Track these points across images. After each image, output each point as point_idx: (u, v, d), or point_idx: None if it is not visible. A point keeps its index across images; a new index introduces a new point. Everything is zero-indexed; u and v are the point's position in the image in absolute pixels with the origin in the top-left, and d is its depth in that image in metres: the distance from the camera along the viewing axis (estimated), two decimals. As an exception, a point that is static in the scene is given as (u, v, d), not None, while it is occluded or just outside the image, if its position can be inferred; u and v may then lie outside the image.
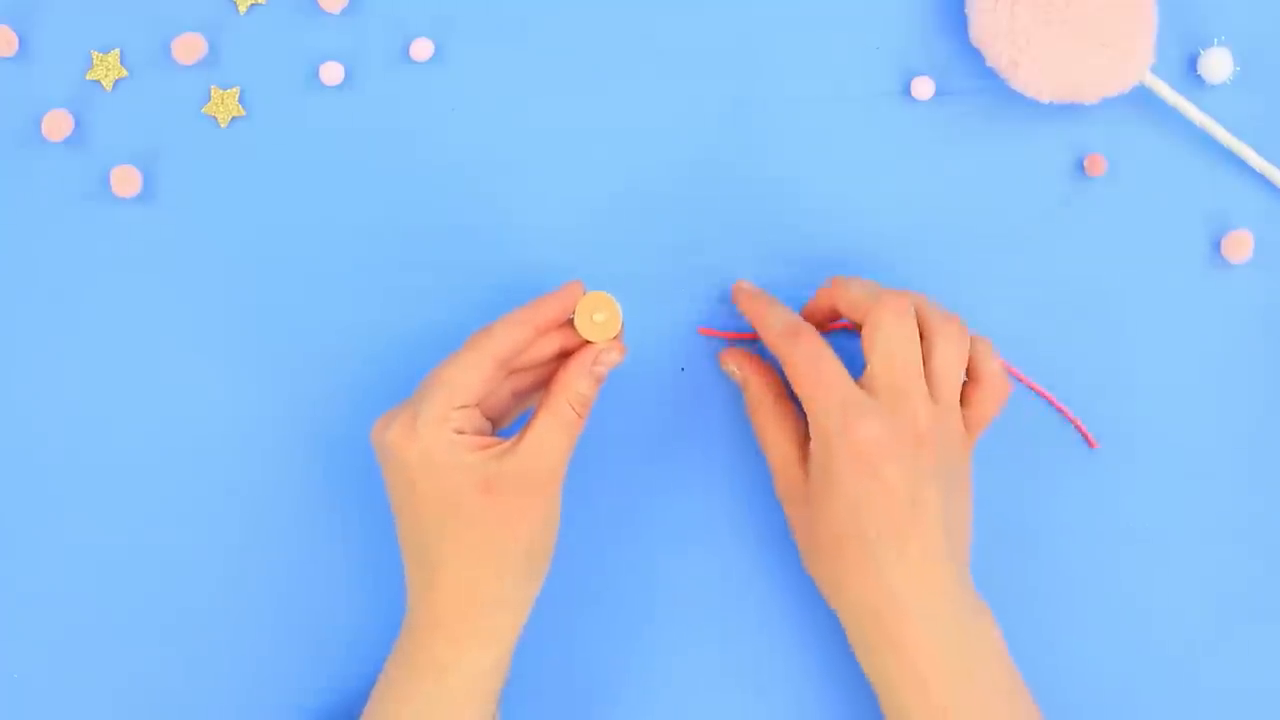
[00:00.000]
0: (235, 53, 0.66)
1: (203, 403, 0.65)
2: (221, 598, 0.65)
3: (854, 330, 0.60)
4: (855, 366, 0.58)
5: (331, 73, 0.65)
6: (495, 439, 0.56)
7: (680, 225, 0.66)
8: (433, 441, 0.55)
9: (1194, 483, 0.65)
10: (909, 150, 0.66)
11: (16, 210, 0.65)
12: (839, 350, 0.58)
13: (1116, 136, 0.66)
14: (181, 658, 0.64)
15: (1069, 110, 0.65)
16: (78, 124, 0.65)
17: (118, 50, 0.66)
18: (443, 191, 0.66)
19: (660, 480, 0.65)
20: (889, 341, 0.57)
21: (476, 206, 0.66)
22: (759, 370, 0.62)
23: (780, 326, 0.59)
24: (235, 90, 0.65)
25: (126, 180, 0.65)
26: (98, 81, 0.65)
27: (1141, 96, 0.65)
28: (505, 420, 0.60)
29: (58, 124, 0.65)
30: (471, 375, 0.56)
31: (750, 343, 0.65)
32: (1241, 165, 0.66)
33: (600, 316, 0.58)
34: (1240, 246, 0.66)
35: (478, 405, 0.57)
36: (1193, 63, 0.66)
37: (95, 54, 0.65)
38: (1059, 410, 0.65)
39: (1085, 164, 0.66)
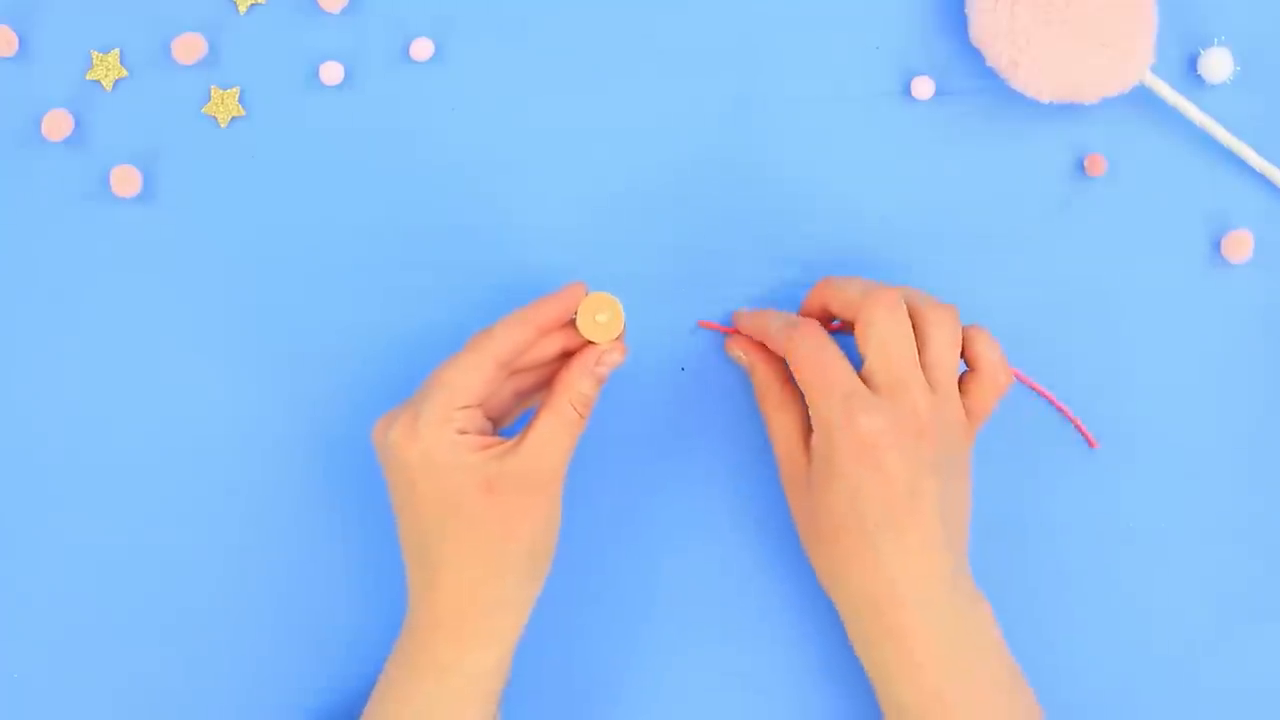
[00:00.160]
0: (235, 53, 0.66)
1: (203, 403, 0.65)
2: (222, 598, 0.65)
3: (846, 332, 0.60)
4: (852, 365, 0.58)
5: (331, 73, 0.65)
6: (497, 439, 0.56)
7: (680, 225, 0.66)
8: (434, 442, 0.55)
9: (1194, 482, 0.65)
10: (909, 150, 0.66)
11: (16, 210, 0.65)
12: None
13: (1116, 136, 0.66)
14: (182, 658, 0.64)
15: (1069, 110, 0.65)
16: (78, 124, 0.65)
17: (118, 50, 0.66)
18: (443, 191, 0.66)
19: (660, 480, 0.65)
20: (883, 336, 0.57)
21: (476, 206, 0.66)
22: (765, 356, 0.62)
23: (780, 322, 0.59)
24: (235, 90, 0.65)
25: (126, 180, 0.65)
26: (98, 81, 0.65)
27: (1141, 96, 0.65)
28: (506, 420, 0.60)
29: (58, 124, 0.65)
30: (473, 376, 0.56)
31: None
32: (1241, 165, 0.66)
33: (603, 317, 0.58)
34: (1240, 246, 0.66)
35: (480, 405, 0.57)
36: (1193, 63, 0.66)
37: (95, 54, 0.65)
38: (1059, 410, 0.65)
39: (1085, 164, 0.66)
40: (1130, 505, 0.65)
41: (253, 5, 0.66)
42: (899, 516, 0.56)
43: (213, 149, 0.66)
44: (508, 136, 0.66)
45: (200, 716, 0.64)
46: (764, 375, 0.62)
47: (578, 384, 0.57)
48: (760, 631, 0.65)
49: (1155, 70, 0.65)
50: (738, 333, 0.64)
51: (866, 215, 0.66)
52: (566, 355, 0.59)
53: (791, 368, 0.58)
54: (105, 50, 0.65)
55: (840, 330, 0.62)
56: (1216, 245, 0.66)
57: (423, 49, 0.66)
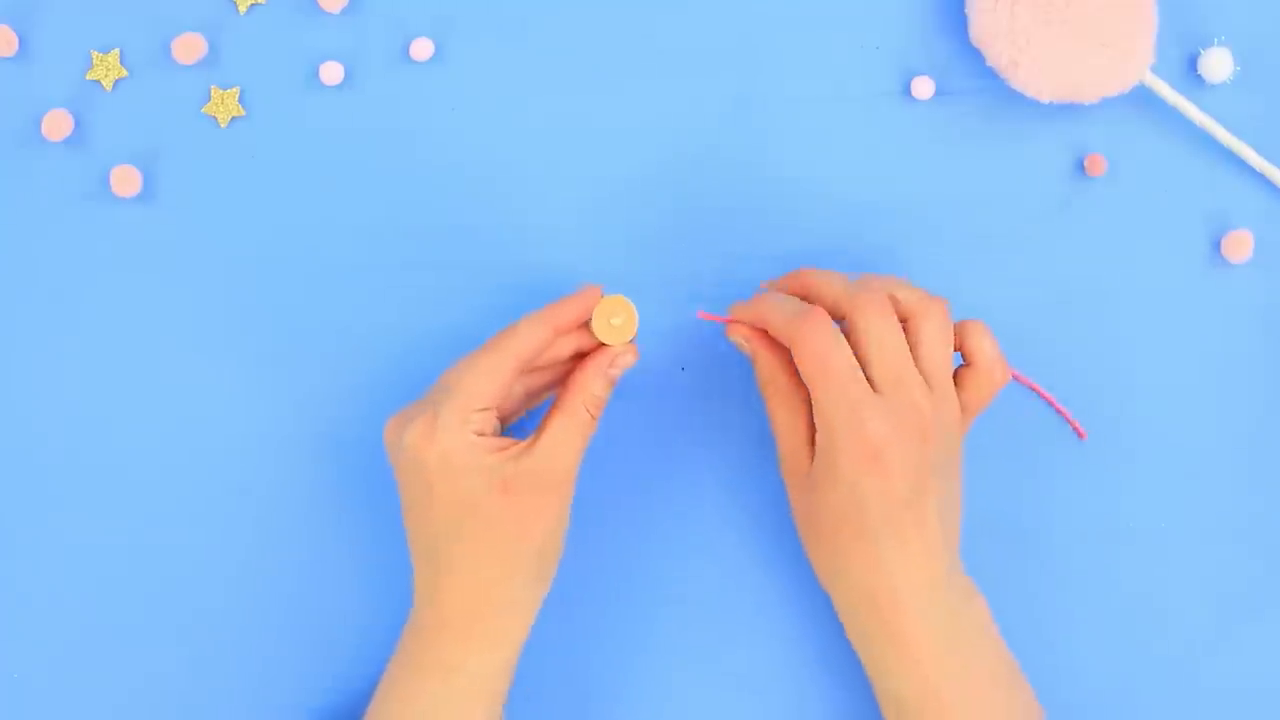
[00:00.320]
0: (235, 53, 0.66)
1: (202, 403, 0.65)
2: (224, 598, 0.65)
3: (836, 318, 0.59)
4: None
5: (331, 73, 0.65)
6: (511, 440, 0.57)
7: (680, 225, 0.66)
8: (453, 444, 0.55)
9: (1194, 482, 0.65)
10: (909, 150, 0.66)
11: (16, 210, 0.65)
12: None
13: (1116, 136, 0.66)
14: (184, 658, 0.64)
15: (1069, 110, 0.65)
16: (78, 124, 0.65)
17: (118, 50, 0.66)
18: (442, 191, 0.66)
19: (659, 480, 0.65)
20: (878, 338, 0.56)
21: (476, 206, 0.66)
22: (768, 344, 0.60)
23: (786, 315, 0.57)
24: (235, 90, 0.65)
25: (126, 180, 0.65)
26: (98, 81, 0.65)
27: (1141, 96, 0.65)
28: (512, 418, 0.60)
29: (58, 124, 0.65)
30: (493, 378, 0.56)
31: None
32: (1241, 165, 0.66)
33: (617, 320, 0.58)
34: (1240, 246, 0.66)
35: (496, 407, 0.57)
36: (1193, 63, 0.66)
37: (95, 54, 0.65)
38: (1046, 400, 0.65)
39: (1085, 164, 0.66)
40: (1129, 505, 0.65)
41: (253, 5, 0.66)
42: (900, 517, 0.56)
43: (213, 149, 0.66)
44: (508, 136, 0.66)
45: (204, 716, 0.64)
46: (768, 366, 0.60)
47: (591, 386, 0.58)
48: (760, 631, 0.65)
49: (1155, 70, 0.65)
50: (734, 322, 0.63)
51: (867, 215, 0.66)
52: (578, 356, 0.59)
53: (796, 361, 0.57)
54: (105, 50, 0.65)
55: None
56: (1216, 245, 0.66)
57: (423, 49, 0.66)
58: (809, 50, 0.66)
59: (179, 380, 0.65)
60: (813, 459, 0.58)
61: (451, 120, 0.66)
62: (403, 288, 0.65)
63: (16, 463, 0.65)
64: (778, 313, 0.58)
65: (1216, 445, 0.66)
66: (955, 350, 0.58)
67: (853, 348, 0.57)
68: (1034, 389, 0.65)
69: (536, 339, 0.57)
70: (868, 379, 0.56)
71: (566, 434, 0.57)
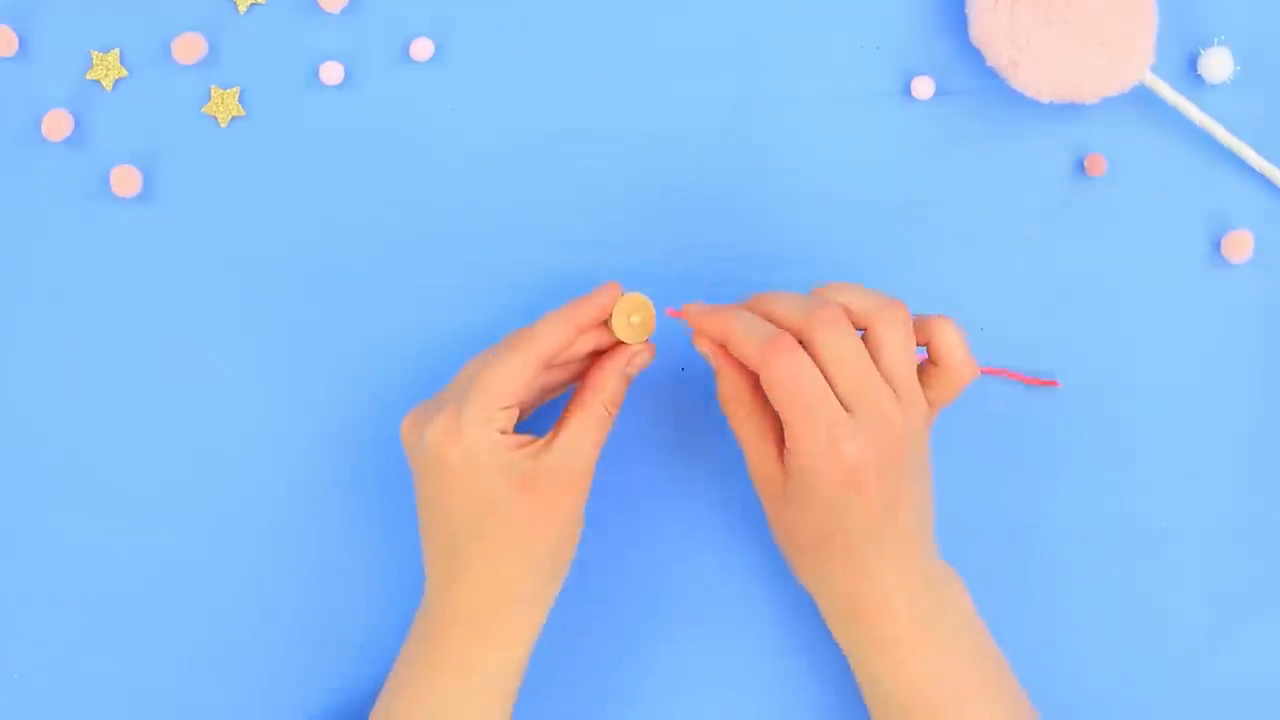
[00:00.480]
0: (235, 53, 0.66)
1: (202, 403, 0.65)
2: (228, 599, 0.65)
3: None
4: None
5: (331, 73, 0.65)
6: (530, 437, 0.57)
7: (679, 225, 0.66)
8: (477, 441, 0.55)
9: (1194, 482, 0.65)
10: (909, 150, 0.66)
11: (16, 210, 0.65)
12: None
13: (1116, 136, 0.66)
14: (191, 658, 0.64)
15: (1069, 110, 0.65)
16: (78, 124, 0.65)
17: (118, 50, 0.66)
18: (442, 191, 0.66)
19: (659, 479, 0.65)
20: (838, 354, 0.55)
21: (475, 206, 0.66)
22: (734, 365, 0.59)
23: (755, 340, 0.56)
24: (235, 90, 0.65)
25: (126, 180, 0.65)
26: (98, 81, 0.65)
27: (1141, 96, 0.65)
28: (526, 414, 0.60)
29: (58, 124, 0.65)
30: (517, 377, 0.56)
31: None
32: (1241, 165, 0.66)
33: (636, 319, 0.59)
34: (1240, 246, 0.66)
35: (518, 405, 0.57)
36: (1193, 63, 0.66)
37: (95, 54, 0.65)
38: (1012, 377, 0.65)
39: (1085, 164, 0.66)
40: (1130, 505, 0.65)
41: (253, 5, 0.66)
42: (879, 527, 0.56)
43: (213, 149, 0.66)
44: (508, 136, 0.66)
45: (210, 717, 0.64)
46: (732, 384, 0.59)
47: (609, 384, 0.58)
48: (760, 630, 0.65)
49: (1155, 70, 0.65)
50: None
51: (867, 215, 0.66)
52: (595, 353, 0.59)
53: (765, 387, 0.56)
54: (105, 50, 0.65)
55: None
56: (1216, 245, 0.66)
57: (423, 49, 0.66)
58: (809, 50, 0.66)
59: (179, 380, 0.65)
60: (785, 476, 0.57)
61: (451, 120, 0.66)
62: (402, 288, 0.65)
63: (17, 463, 0.65)
64: (746, 339, 0.56)
65: (1216, 445, 0.66)
66: (921, 345, 0.58)
67: (816, 365, 0.56)
68: (997, 373, 0.65)
69: (559, 337, 0.57)
70: (835, 396, 0.55)
71: (585, 431, 0.57)
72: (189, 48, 0.65)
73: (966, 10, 0.65)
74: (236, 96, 0.65)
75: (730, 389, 0.59)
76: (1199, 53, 0.66)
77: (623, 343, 0.59)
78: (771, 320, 0.57)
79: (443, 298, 0.65)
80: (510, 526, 0.56)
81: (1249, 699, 0.65)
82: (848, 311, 0.56)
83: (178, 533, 0.65)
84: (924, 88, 0.66)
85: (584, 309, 0.58)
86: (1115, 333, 0.66)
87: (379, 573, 0.64)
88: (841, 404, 0.55)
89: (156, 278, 0.65)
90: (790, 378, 0.55)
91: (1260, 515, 0.65)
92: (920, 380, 0.57)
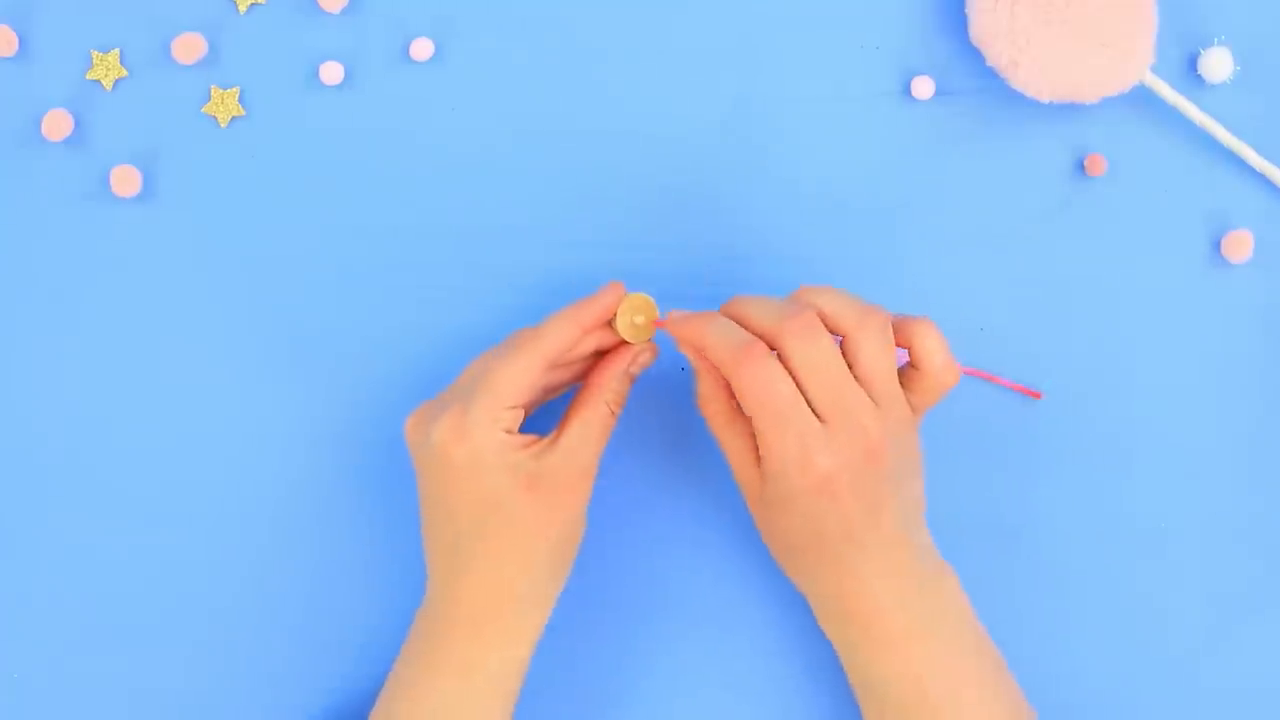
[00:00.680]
0: (235, 53, 0.66)
1: (202, 403, 0.65)
2: (227, 598, 0.65)
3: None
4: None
5: (331, 73, 0.65)
6: (535, 437, 0.57)
7: (679, 225, 0.66)
8: (484, 441, 0.55)
9: (1194, 482, 0.65)
10: (909, 150, 0.66)
11: (16, 210, 0.65)
12: None
13: (1116, 136, 0.66)
14: (191, 658, 0.64)
15: (1069, 110, 0.65)
16: (78, 124, 0.65)
17: (118, 50, 0.66)
18: (442, 191, 0.66)
19: (659, 480, 0.65)
20: (810, 363, 0.55)
21: (475, 206, 0.66)
22: (710, 367, 0.58)
23: (726, 348, 0.55)
24: (235, 90, 0.65)
25: (126, 180, 0.65)
26: (98, 81, 0.65)
27: (1141, 96, 0.65)
28: (528, 414, 0.60)
29: (58, 124, 0.65)
30: (524, 378, 0.56)
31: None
32: (1241, 165, 0.66)
33: (640, 319, 0.59)
34: (1240, 246, 0.66)
35: (524, 405, 0.57)
36: (1193, 63, 0.66)
37: (95, 54, 0.65)
38: (994, 381, 0.65)
39: (1085, 164, 0.66)
40: (1130, 505, 0.65)
41: (253, 5, 0.66)
42: (859, 533, 0.56)
43: (213, 149, 0.66)
44: (508, 136, 0.66)
45: (210, 717, 0.64)
46: (710, 387, 0.59)
47: (612, 383, 0.58)
48: (760, 631, 0.65)
49: (1155, 70, 0.65)
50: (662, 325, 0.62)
51: (866, 215, 0.66)
52: (600, 353, 0.59)
53: (737, 394, 0.56)
54: (105, 50, 0.65)
55: None
56: (1216, 245, 0.66)
57: (423, 49, 0.66)
58: (809, 50, 0.66)
59: (179, 380, 0.65)
60: (763, 480, 0.57)
61: (451, 120, 0.66)
62: (402, 288, 0.65)
63: (17, 463, 0.65)
64: (718, 346, 0.56)
65: (1216, 445, 0.66)
66: (901, 347, 0.57)
67: (789, 373, 0.55)
68: (978, 375, 0.65)
69: (565, 338, 0.57)
70: (809, 405, 0.55)
71: (589, 431, 0.57)
72: (189, 48, 0.65)
73: (966, 10, 0.65)
74: (236, 96, 0.65)
75: (709, 392, 0.59)
76: (1199, 53, 0.66)
77: (626, 342, 0.59)
78: (746, 326, 0.56)
79: (443, 298, 0.65)
80: (514, 526, 0.56)
81: (1249, 699, 0.65)
82: (825, 317, 0.56)
83: (178, 533, 0.65)
84: (924, 88, 0.66)
85: (589, 309, 0.58)
86: (1115, 332, 0.66)
87: (379, 573, 0.64)
88: (815, 412, 0.55)
89: (156, 278, 0.65)
90: (761, 387, 0.54)
91: (1260, 515, 0.65)
92: (902, 384, 0.57)
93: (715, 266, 0.65)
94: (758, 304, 0.57)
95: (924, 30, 0.66)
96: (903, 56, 0.66)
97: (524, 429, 0.57)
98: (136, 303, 0.65)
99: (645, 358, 0.60)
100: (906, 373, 0.58)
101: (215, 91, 0.65)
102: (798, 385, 0.55)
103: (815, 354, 0.55)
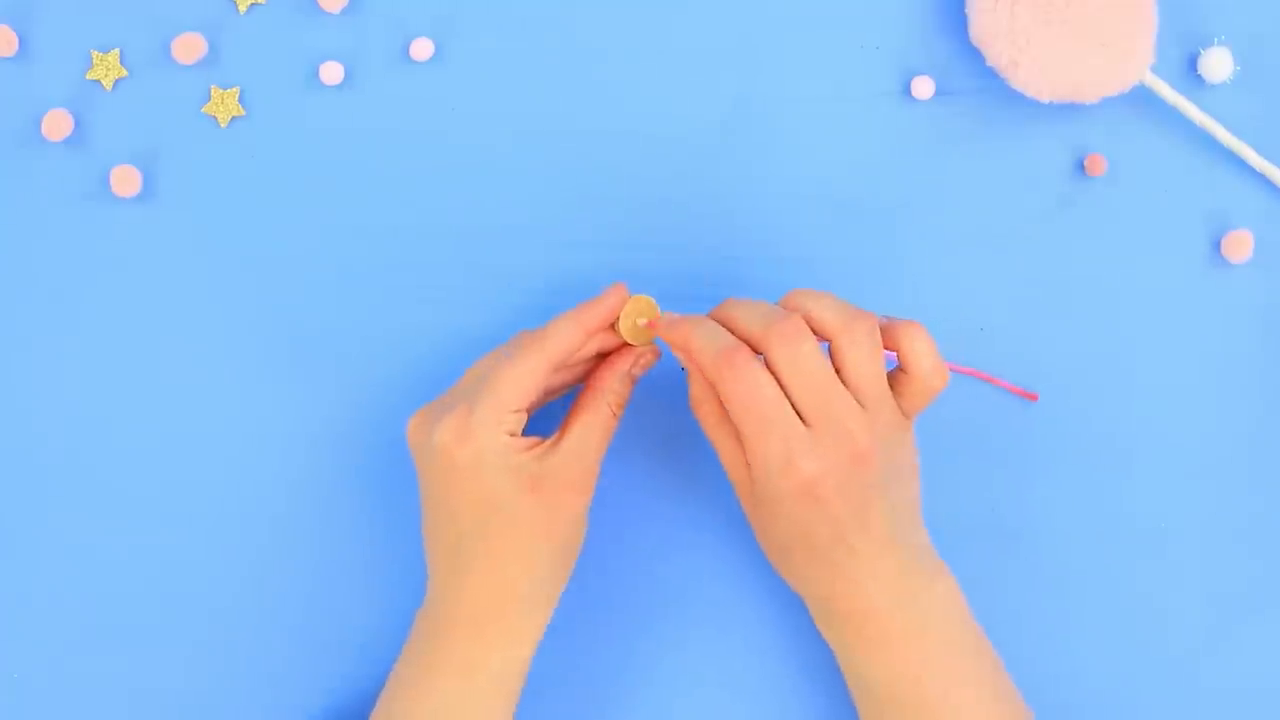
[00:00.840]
0: (235, 53, 0.66)
1: (202, 403, 0.65)
2: (227, 598, 0.65)
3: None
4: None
5: (331, 73, 0.65)
6: (538, 439, 0.57)
7: (679, 225, 0.66)
8: (487, 444, 0.55)
9: (1194, 482, 0.65)
10: (909, 150, 0.66)
11: (16, 210, 0.65)
12: None
13: (1116, 136, 0.66)
14: (191, 658, 0.64)
15: (1069, 110, 0.65)
16: (78, 124, 0.65)
17: (118, 50, 0.66)
18: (442, 191, 0.66)
19: (659, 480, 0.65)
20: (796, 368, 0.55)
21: (475, 206, 0.66)
22: (698, 370, 0.58)
23: (711, 352, 0.55)
24: (235, 90, 0.65)
25: (126, 180, 0.65)
26: (98, 81, 0.65)
27: (1141, 96, 0.65)
28: (530, 414, 0.60)
29: (58, 124, 0.65)
30: (529, 380, 0.56)
31: None
32: (1241, 165, 0.66)
33: (643, 321, 0.59)
34: (1240, 246, 0.66)
35: (528, 408, 0.57)
36: (1193, 63, 0.66)
37: (95, 54, 0.65)
38: (988, 380, 0.65)
39: (1085, 164, 0.66)
40: (1130, 505, 0.65)
41: (253, 5, 0.66)
42: (848, 535, 0.55)
43: (213, 149, 0.66)
44: (507, 136, 0.66)
45: (210, 717, 0.64)
46: (701, 388, 0.58)
47: (615, 385, 0.58)
48: (760, 630, 0.65)
49: (1155, 70, 0.65)
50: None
51: (866, 215, 0.66)
52: (602, 355, 0.60)
53: (722, 399, 0.56)
54: (105, 50, 0.65)
55: None
56: (1216, 245, 0.66)
57: (423, 49, 0.66)
58: (809, 50, 0.66)
59: (179, 380, 0.65)
60: (752, 482, 0.57)
61: (451, 120, 0.66)
62: (403, 288, 0.65)
63: (17, 463, 0.65)
64: (703, 350, 0.56)
65: (1216, 445, 0.66)
66: (890, 350, 0.57)
67: (776, 378, 0.55)
68: (970, 373, 0.65)
69: (569, 341, 0.57)
70: (797, 410, 0.55)
71: (591, 432, 0.57)
72: (189, 48, 0.65)
73: (966, 10, 0.65)
74: (236, 96, 0.65)
75: (700, 394, 0.59)
76: (1199, 53, 0.66)
77: (628, 344, 0.59)
78: (733, 330, 0.56)
79: (443, 298, 0.65)
80: (516, 527, 0.56)
81: (1249, 699, 0.65)
82: (813, 322, 0.56)
83: (178, 533, 0.65)
84: (924, 88, 0.66)
85: (593, 312, 0.58)
86: (1115, 332, 0.66)
87: (380, 573, 0.64)
88: (801, 417, 0.55)
89: (156, 278, 0.65)
90: (745, 391, 0.55)
91: (1260, 515, 0.65)
92: (891, 387, 0.57)
93: (715, 266, 0.65)
94: (745, 308, 0.57)
95: (924, 30, 0.66)
96: (903, 56, 0.66)
97: (525, 431, 0.57)
98: (137, 303, 0.65)
99: (647, 359, 0.60)
100: (896, 376, 0.57)
101: (215, 91, 0.66)
102: (783, 390, 0.55)
103: (800, 358, 0.55)
